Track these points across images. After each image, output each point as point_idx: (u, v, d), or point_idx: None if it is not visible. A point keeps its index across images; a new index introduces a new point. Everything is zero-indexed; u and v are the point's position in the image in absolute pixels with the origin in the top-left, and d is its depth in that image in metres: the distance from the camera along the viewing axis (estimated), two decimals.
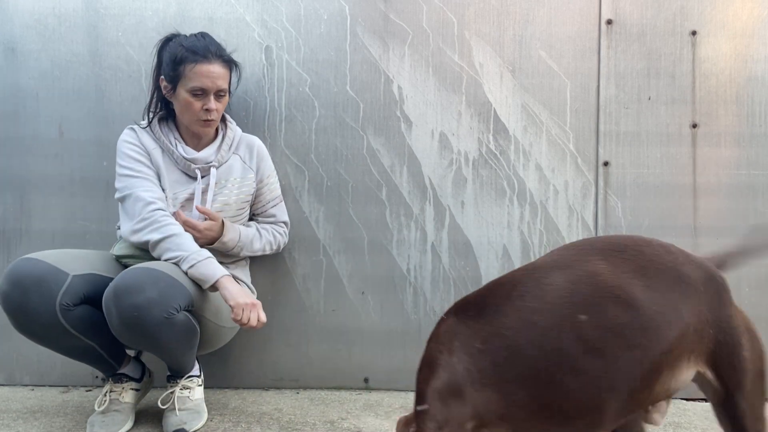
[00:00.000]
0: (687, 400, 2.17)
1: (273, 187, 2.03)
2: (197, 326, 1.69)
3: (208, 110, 1.79)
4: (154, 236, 1.70)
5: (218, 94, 1.81)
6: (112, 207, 2.15)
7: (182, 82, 1.78)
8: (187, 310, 1.63)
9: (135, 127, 1.87)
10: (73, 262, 1.68)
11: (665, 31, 2.19)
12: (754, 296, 2.19)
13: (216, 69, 1.79)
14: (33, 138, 2.18)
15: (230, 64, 1.87)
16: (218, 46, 1.84)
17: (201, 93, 1.78)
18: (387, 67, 2.19)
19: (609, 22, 2.19)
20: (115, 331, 1.59)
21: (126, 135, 1.86)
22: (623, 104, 2.20)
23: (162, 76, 1.83)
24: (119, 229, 1.91)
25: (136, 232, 1.73)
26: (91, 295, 1.66)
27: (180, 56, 1.77)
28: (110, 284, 1.58)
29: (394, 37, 2.19)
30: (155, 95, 1.89)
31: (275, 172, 2.05)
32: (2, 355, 2.20)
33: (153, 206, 1.74)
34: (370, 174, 2.20)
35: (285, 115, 2.19)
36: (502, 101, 2.20)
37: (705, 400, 2.17)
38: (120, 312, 1.54)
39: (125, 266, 1.79)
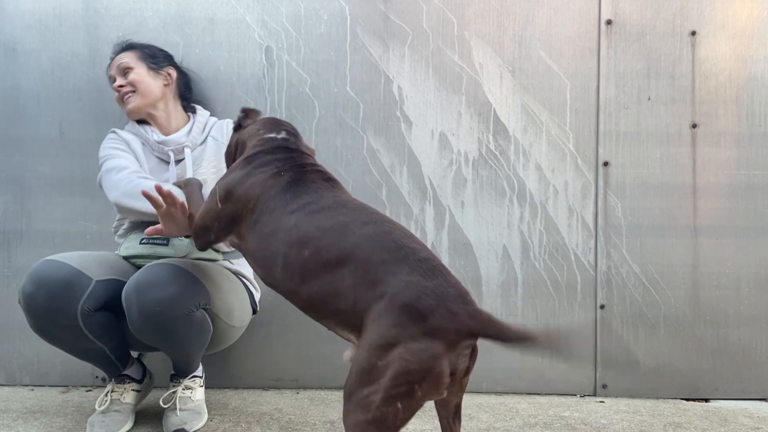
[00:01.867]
0: (687, 400, 2.18)
1: None
2: (211, 325, 1.70)
3: (120, 87, 1.91)
4: (130, 202, 1.74)
5: (124, 73, 1.92)
6: (112, 207, 2.15)
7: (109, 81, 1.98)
8: (203, 309, 1.63)
9: (116, 130, 1.97)
10: (97, 266, 1.68)
11: (665, 31, 2.19)
12: (754, 296, 2.19)
13: (121, 57, 1.94)
14: (33, 138, 2.18)
15: (133, 47, 1.97)
16: (118, 43, 2.00)
17: (112, 80, 1.94)
18: (387, 67, 2.19)
19: (609, 22, 2.19)
20: (134, 326, 1.59)
21: (106, 138, 1.96)
22: (623, 104, 2.20)
23: None
24: (115, 231, 1.93)
25: (119, 194, 1.76)
26: (111, 300, 1.67)
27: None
28: (131, 279, 1.58)
29: (394, 37, 2.19)
30: None
31: None
32: (2, 355, 2.19)
33: (126, 170, 1.80)
34: (370, 174, 2.20)
35: (285, 116, 2.19)
36: (502, 101, 2.20)
37: (705, 400, 2.18)
38: (141, 306, 1.53)
39: (138, 267, 1.80)
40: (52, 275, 1.58)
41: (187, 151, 1.90)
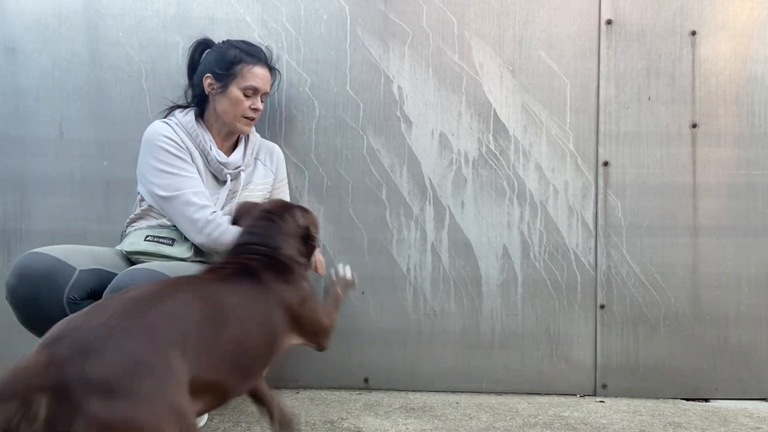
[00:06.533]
0: (687, 400, 2.18)
1: (284, 191, 2.08)
2: None
3: (255, 109, 1.88)
4: (227, 238, 1.71)
5: (263, 97, 1.92)
6: (112, 207, 2.15)
7: (236, 81, 1.85)
8: None
9: (168, 121, 1.85)
10: (80, 257, 1.68)
11: (665, 31, 2.19)
12: (754, 296, 2.19)
13: (266, 73, 1.92)
14: (33, 138, 2.18)
15: (274, 71, 1.98)
16: (267, 53, 1.96)
17: (252, 93, 1.87)
18: (387, 67, 2.19)
19: (609, 22, 2.19)
20: None
21: (161, 128, 1.81)
22: (623, 104, 2.20)
23: (208, 74, 1.86)
24: (128, 224, 1.90)
25: (207, 236, 1.74)
26: (97, 290, 1.66)
27: (236, 57, 1.86)
28: (110, 285, 1.58)
29: (394, 37, 2.19)
30: (192, 93, 1.93)
31: (287, 178, 2.11)
32: (2, 355, 2.19)
33: (208, 210, 1.76)
34: (370, 174, 2.20)
35: (285, 115, 2.19)
36: (502, 101, 2.20)
37: (705, 400, 2.18)
38: None
39: (133, 263, 1.79)
40: (33, 266, 1.58)
41: (242, 175, 1.91)
